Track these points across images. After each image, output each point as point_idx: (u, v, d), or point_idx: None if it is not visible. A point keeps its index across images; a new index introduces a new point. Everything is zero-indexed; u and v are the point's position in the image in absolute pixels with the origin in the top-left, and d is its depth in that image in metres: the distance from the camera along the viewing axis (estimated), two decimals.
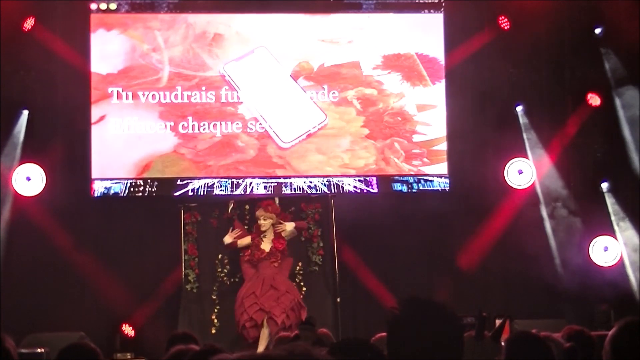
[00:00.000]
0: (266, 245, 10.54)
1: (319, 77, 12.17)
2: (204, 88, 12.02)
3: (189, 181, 11.88)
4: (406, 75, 12.22)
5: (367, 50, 12.23)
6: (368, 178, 12.11)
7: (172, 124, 11.92)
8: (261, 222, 10.58)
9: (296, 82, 12.13)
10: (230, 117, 12.00)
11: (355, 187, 12.09)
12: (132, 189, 11.80)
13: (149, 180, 11.84)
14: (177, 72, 12.02)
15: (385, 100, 12.20)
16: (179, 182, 11.88)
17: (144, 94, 11.93)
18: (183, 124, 11.93)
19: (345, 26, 12.25)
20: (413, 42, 12.27)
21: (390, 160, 12.13)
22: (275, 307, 10.22)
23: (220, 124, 11.97)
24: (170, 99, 11.96)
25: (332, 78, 12.17)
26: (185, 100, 11.98)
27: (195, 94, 12.00)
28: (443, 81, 12.22)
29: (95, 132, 11.82)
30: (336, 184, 12.06)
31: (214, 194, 11.86)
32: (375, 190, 12.08)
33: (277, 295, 10.29)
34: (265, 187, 11.94)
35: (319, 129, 12.12)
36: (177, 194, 11.82)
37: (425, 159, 12.16)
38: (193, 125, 11.93)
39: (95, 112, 11.84)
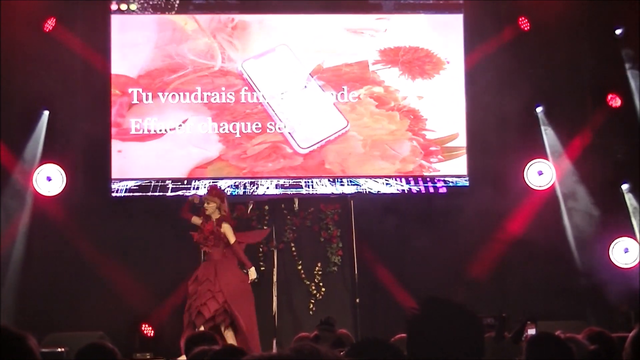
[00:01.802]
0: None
1: (341, 79, 12.10)
2: (223, 89, 12.01)
3: (204, 182, 11.84)
4: (406, 69, 12.13)
5: (388, 48, 12.19)
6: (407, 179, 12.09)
7: (192, 123, 11.93)
8: (205, 205, 10.33)
9: (316, 82, 12.09)
10: (249, 118, 11.97)
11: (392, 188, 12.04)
12: (149, 189, 11.80)
13: (165, 181, 11.84)
14: (195, 71, 12.02)
15: (395, 98, 12.14)
16: (194, 183, 11.87)
17: (163, 94, 11.94)
18: (202, 125, 11.93)
19: (366, 25, 12.20)
20: (430, 41, 12.25)
21: (415, 161, 12.08)
22: (211, 300, 9.92)
23: (240, 125, 11.95)
24: (190, 99, 11.96)
25: (352, 79, 12.12)
26: (205, 101, 11.98)
27: (215, 95, 11.99)
28: (442, 72, 12.15)
29: (115, 132, 11.85)
30: (367, 189, 11.99)
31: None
32: (424, 190, 12.05)
33: (213, 290, 9.98)
34: (282, 188, 11.90)
35: (339, 136, 12.03)
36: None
37: (440, 156, 12.11)
38: (213, 127, 11.92)
39: (115, 112, 11.87)
